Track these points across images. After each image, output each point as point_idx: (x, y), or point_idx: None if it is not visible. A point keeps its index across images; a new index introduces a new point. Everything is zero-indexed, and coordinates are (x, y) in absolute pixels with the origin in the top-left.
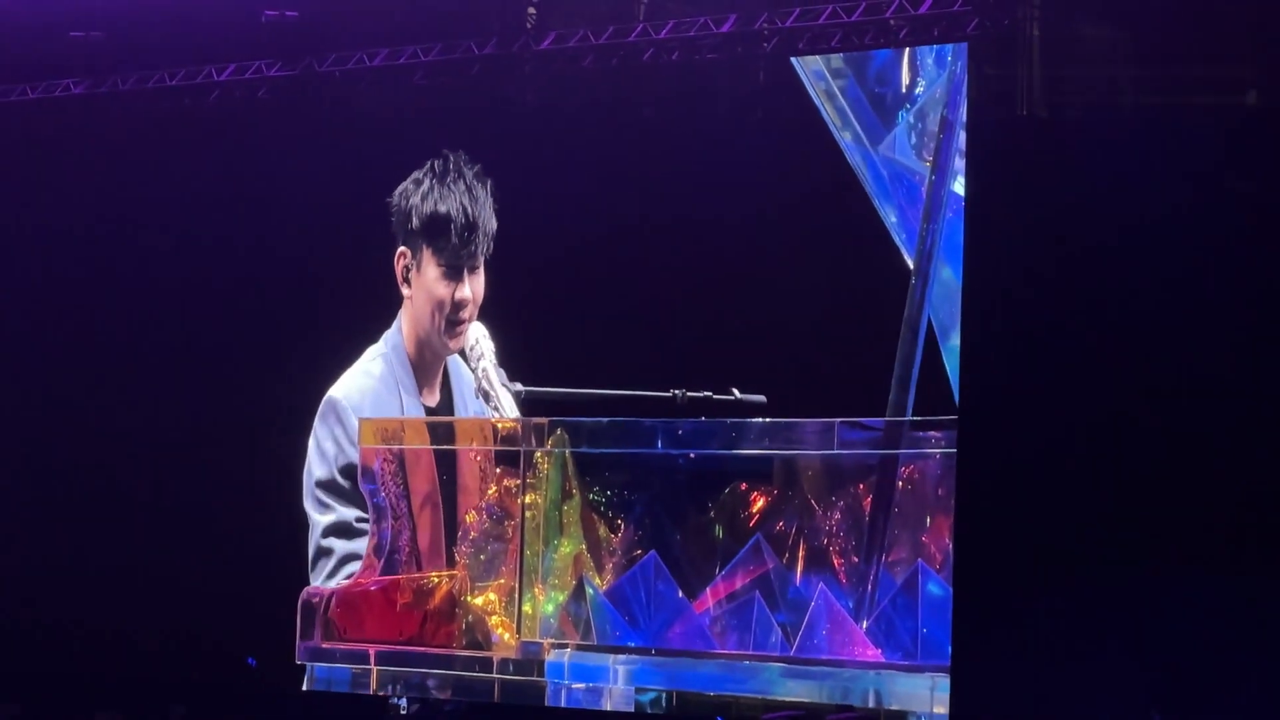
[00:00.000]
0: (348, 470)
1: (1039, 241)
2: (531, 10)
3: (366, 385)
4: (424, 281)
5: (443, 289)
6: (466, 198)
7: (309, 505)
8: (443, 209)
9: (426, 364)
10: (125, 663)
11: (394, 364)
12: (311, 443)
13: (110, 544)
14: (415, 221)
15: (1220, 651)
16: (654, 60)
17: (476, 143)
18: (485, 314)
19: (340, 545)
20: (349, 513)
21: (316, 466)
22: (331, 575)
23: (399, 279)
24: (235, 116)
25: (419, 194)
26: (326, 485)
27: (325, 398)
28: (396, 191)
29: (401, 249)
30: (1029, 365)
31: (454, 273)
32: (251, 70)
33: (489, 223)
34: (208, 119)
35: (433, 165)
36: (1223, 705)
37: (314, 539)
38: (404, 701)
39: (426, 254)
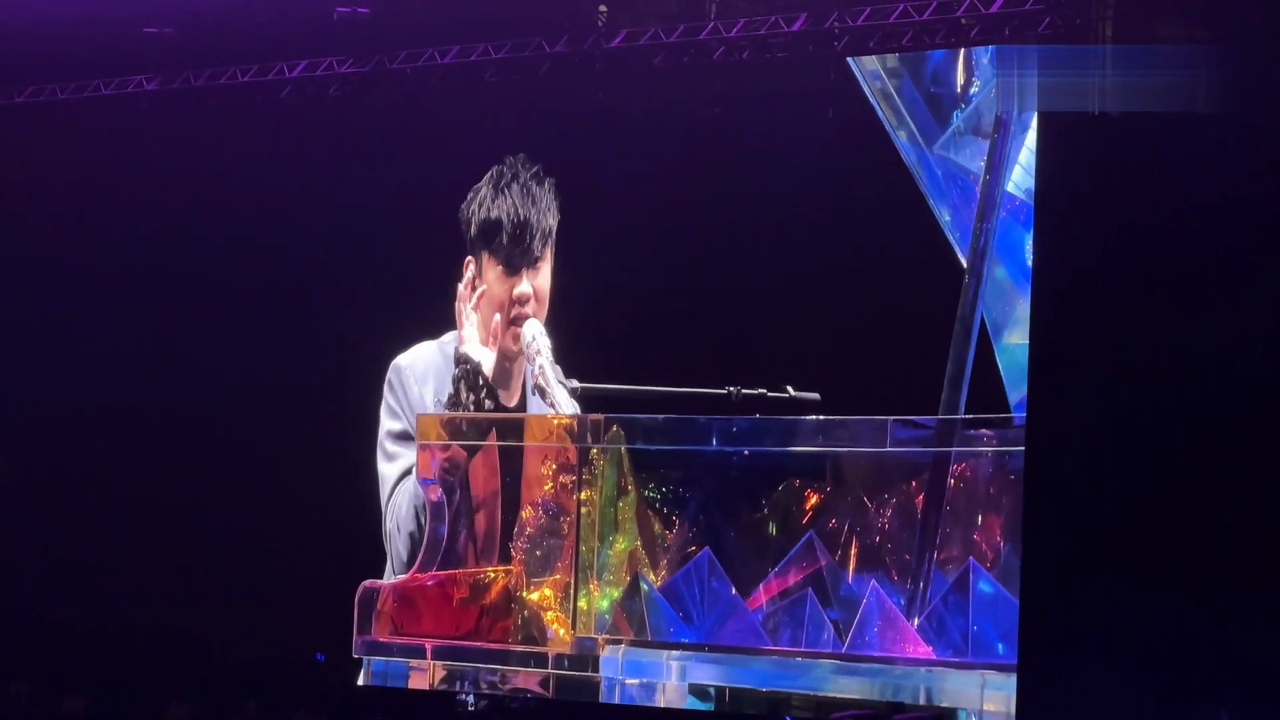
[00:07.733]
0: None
1: (1110, 241)
2: (602, 8)
3: (435, 359)
4: (487, 284)
5: (501, 287)
6: (520, 198)
7: (379, 459)
8: (495, 214)
9: (502, 368)
10: (198, 657)
11: None
12: (382, 408)
13: (182, 539)
14: (474, 229)
15: None
16: (725, 59)
17: (545, 140)
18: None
19: (410, 485)
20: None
21: (384, 423)
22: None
23: (469, 288)
24: (307, 113)
25: (476, 202)
26: (394, 436)
27: (391, 364)
28: (462, 205)
29: (468, 258)
30: (1098, 366)
31: (512, 270)
32: (323, 67)
33: (544, 220)
34: (279, 115)
35: (491, 173)
36: None
37: (387, 489)
38: (471, 698)
39: (486, 258)
